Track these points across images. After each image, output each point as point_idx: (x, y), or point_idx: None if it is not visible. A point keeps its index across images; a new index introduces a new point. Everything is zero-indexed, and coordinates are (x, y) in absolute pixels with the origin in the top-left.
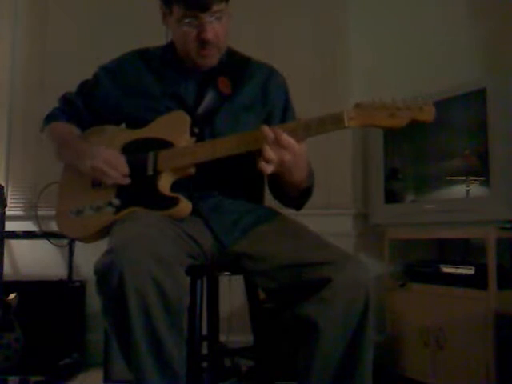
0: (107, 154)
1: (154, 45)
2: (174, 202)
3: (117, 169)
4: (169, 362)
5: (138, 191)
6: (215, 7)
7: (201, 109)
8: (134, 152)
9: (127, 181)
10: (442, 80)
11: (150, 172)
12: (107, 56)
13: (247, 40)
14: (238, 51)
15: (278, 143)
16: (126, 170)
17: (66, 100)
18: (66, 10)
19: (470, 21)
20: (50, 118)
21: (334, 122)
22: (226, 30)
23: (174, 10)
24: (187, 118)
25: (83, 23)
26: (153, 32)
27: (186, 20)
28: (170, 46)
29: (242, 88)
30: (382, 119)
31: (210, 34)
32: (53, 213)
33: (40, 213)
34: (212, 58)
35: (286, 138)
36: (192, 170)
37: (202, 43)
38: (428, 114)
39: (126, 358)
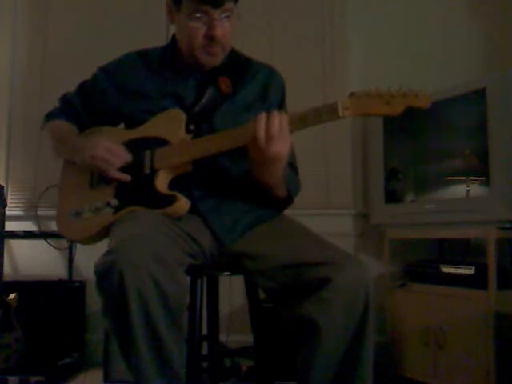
0: (107, 142)
1: (153, 45)
2: (171, 199)
3: (118, 156)
4: (169, 361)
5: (136, 190)
6: (227, 5)
7: (198, 106)
8: (131, 151)
9: (127, 177)
10: (441, 80)
11: (147, 171)
12: (107, 57)
13: (249, 40)
14: (238, 51)
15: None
16: (127, 156)
17: (65, 100)
18: (66, 10)
19: (470, 21)
20: (49, 117)
21: (329, 112)
22: (232, 31)
23: (183, 6)
24: (182, 115)
25: (83, 24)
26: (153, 32)
27: (197, 15)
28: (170, 47)
29: (243, 88)
30: (377, 107)
31: (219, 32)
32: (53, 213)
33: (40, 213)
34: (216, 57)
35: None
36: (189, 167)
37: (210, 40)
38: (424, 101)
39: (126, 358)
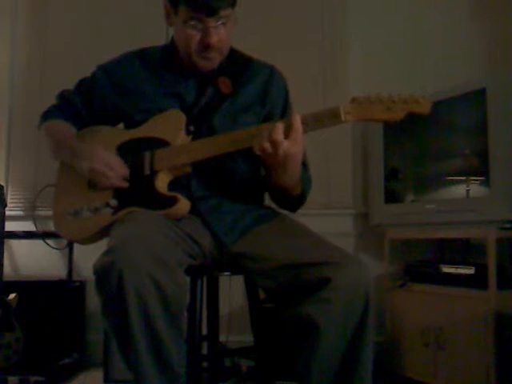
0: (105, 155)
1: (153, 45)
2: (172, 201)
3: (115, 170)
4: (168, 361)
5: (136, 191)
6: (222, 12)
7: (198, 107)
8: (130, 152)
9: (126, 184)
10: (441, 80)
11: (147, 172)
12: (107, 57)
13: (248, 41)
14: (239, 50)
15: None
16: (124, 171)
17: (63, 98)
18: (66, 10)
19: (470, 21)
20: (47, 115)
21: (331, 117)
22: (230, 35)
23: (179, 11)
24: (182, 116)
25: (83, 24)
26: (153, 32)
27: (192, 22)
28: (170, 47)
29: (243, 88)
30: (378, 113)
31: (214, 39)
32: (51, 212)
33: (39, 213)
34: (213, 61)
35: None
36: (189, 169)
37: (205, 47)
38: (424, 106)
39: (126, 358)
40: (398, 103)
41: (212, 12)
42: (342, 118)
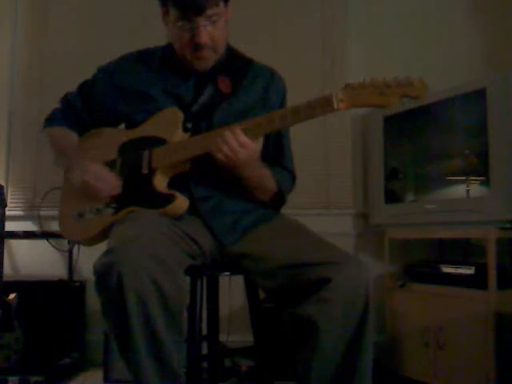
0: (97, 168)
1: (154, 45)
2: (170, 198)
3: (107, 182)
4: (168, 361)
5: (135, 191)
6: (209, 11)
7: (196, 105)
8: (131, 152)
9: (119, 189)
10: (441, 80)
11: (145, 170)
12: (107, 56)
13: (253, 41)
14: (239, 51)
15: (238, 143)
16: (116, 184)
17: (66, 101)
18: (66, 10)
19: (470, 21)
20: (50, 121)
21: (323, 105)
22: (223, 33)
23: (170, 11)
24: (179, 114)
25: (83, 23)
26: (153, 32)
27: (180, 23)
28: (169, 47)
29: (244, 89)
30: (371, 98)
31: (203, 39)
32: (53, 213)
33: (41, 213)
34: (208, 60)
35: (244, 139)
36: (187, 166)
37: (196, 46)
38: (419, 90)
39: (126, 358)
40: (392, 87)
41: (199, 11)
42: (335, 106)
